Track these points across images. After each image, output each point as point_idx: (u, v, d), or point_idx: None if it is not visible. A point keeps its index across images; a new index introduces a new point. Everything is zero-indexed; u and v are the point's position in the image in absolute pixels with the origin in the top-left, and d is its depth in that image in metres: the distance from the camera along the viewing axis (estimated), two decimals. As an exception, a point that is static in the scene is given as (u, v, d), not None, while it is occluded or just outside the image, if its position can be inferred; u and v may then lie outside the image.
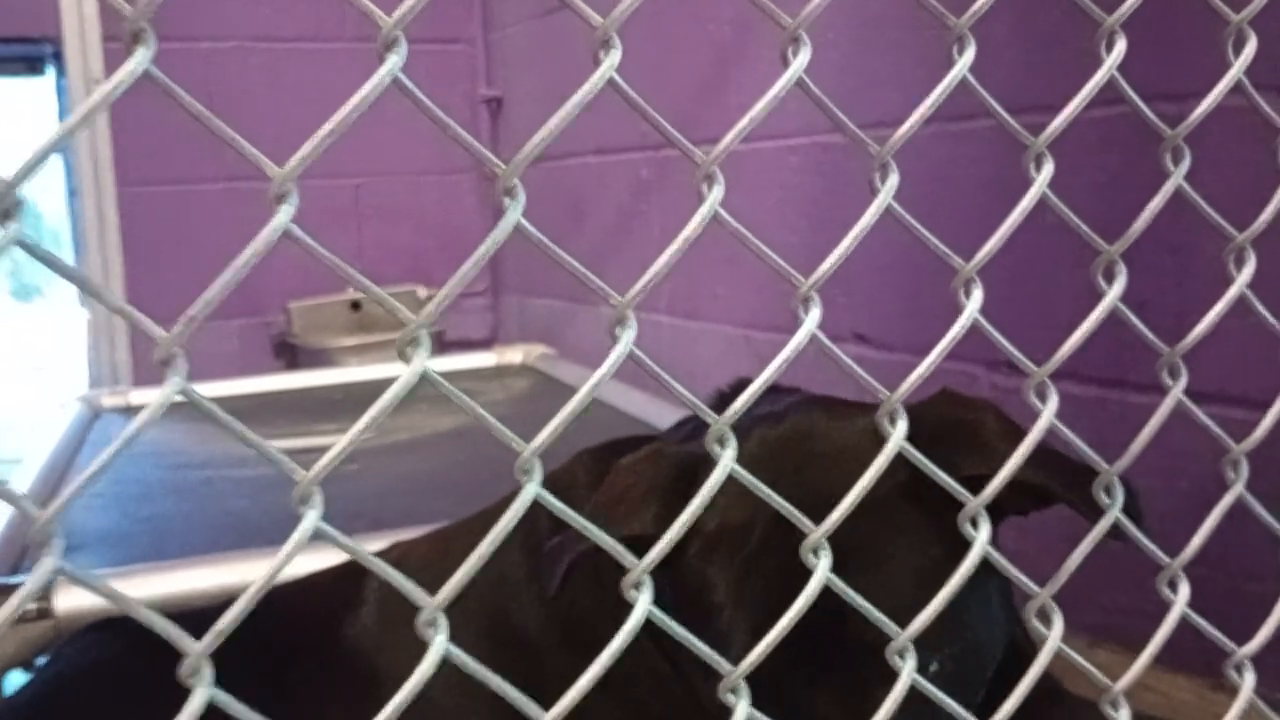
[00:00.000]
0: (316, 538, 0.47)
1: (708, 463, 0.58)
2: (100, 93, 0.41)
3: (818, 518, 0.60)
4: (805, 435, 0.80)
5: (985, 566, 0.66)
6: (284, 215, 0.45)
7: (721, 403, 0.64)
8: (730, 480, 0.58)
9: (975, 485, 0.66)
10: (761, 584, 0.74)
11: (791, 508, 0.60)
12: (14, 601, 0.42)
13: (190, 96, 0.45)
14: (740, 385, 0.98)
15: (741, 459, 0.58)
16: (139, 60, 0.42)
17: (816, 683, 0.72)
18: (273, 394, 2.58)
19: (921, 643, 0.63)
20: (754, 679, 0.58)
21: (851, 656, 0.70)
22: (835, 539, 0.61)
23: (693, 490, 0.58)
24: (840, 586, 0.61)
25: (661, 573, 0.57)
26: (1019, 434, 0.69)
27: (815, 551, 0.60)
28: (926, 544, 0.73)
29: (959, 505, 0.66)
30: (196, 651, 0.44)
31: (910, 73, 1.67)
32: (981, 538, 0.65)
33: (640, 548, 0.56)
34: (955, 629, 0.71)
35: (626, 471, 0.84)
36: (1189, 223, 1.25)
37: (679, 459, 0.82)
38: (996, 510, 0.68)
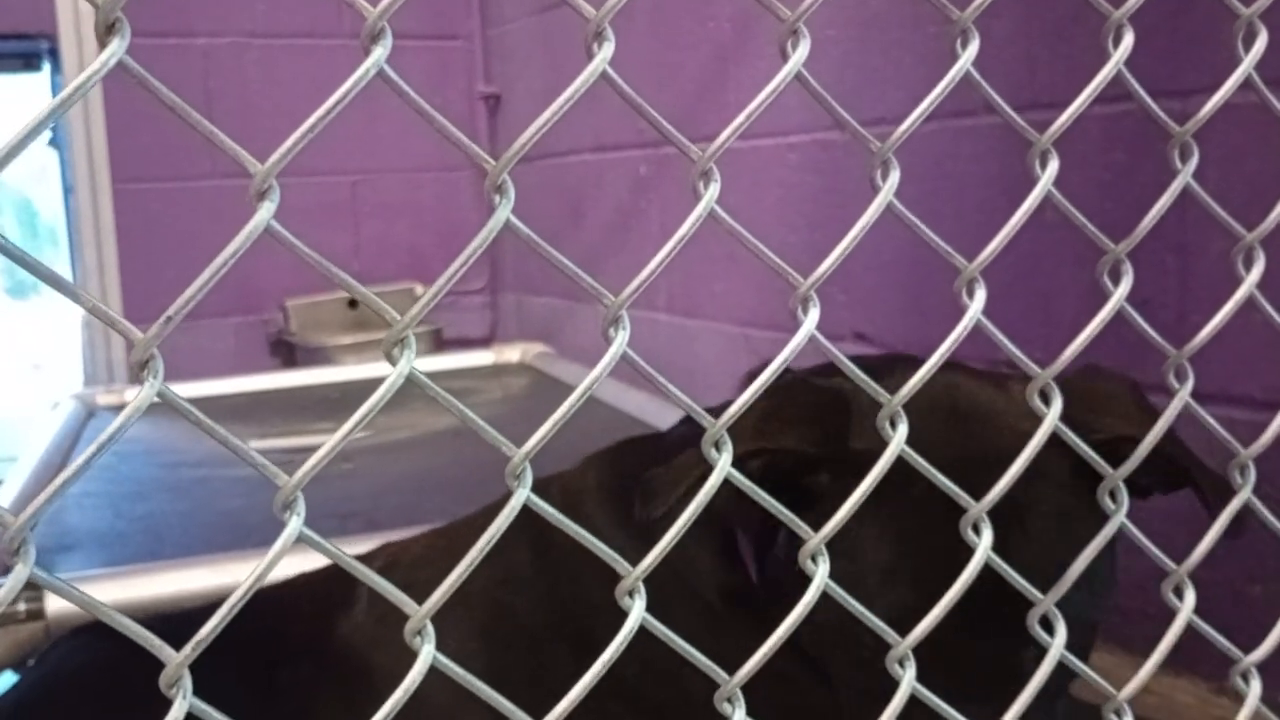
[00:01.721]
0: (300, 543, 0.45)
1: (858, 395, 0.61)
2: (74, 84, 0.40)
3: (981, 479, 0.62)
4: (958, 399, 0.81)
5: (1111, 541, 0.69)
6: (265, 212, 0.43)
7: (748, 382, 0.64)
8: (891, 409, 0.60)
9: (1110, 453, 0.69)
10: (924, 540, 0.72)
11: (955, 487, 0.61)
12: (-15, 610, 0.41)
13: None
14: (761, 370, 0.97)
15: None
16: (112, 51, 0.40)
17: (971, 640, 0.71)
18: (269, 392, 2.57)
19: (1063, 608, 0.66)
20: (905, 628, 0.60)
21: (1007, 618, 0.69)
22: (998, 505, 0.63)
23: (844, 420, 0.61)
24: (1001, 567, 0.63)
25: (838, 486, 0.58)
26: (1154, 411, 0.72)
27: (976, 528, 0.62)
28: (1078, 504, 0.74)
29: (1099, 478, 0.68)
30: (176, 661, 0.43)
31: (911, 71, 1.66)
32: (1121, 511, 0.68)
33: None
34: (1079, 596, 0.73)
35: (771, 395, 0.80)
36: (1192, 221, 1.24)
37: (831, 388, 0.79)
38: (1132, 491, 0.70)
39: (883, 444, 0.70)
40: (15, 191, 3.80)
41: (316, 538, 0.46)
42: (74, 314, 2.95)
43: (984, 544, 0.61)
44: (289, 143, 0.43)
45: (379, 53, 0.45)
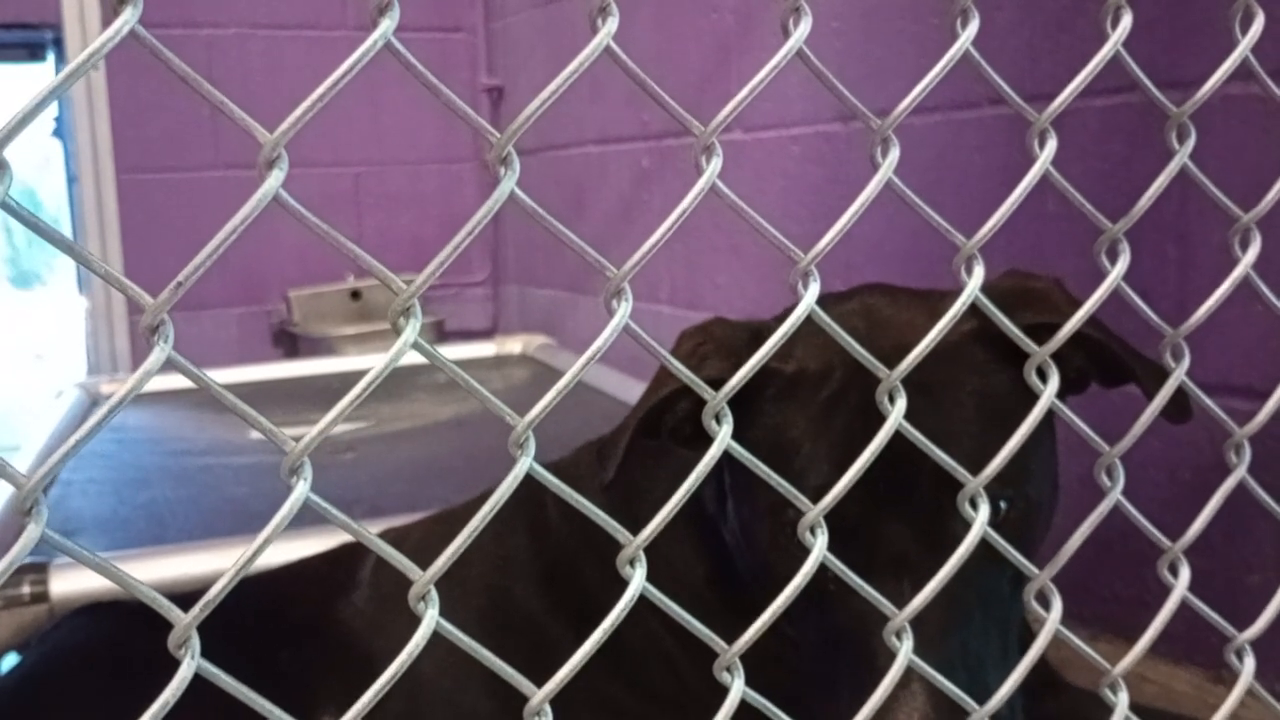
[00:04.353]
0: (312, 521, 0.46)
1: (773, 324, 0.62)
2: (87, 51, 0.41)
3: (893, 366, 0.62)
4: (875, 306, 0.83)
5: (1046, 425, 0.69)
6: (273, 180, 0.44)
7: (755, 340, 0.65)
8: (808, 333, 0.61)
9: (1041, 341, 0.69)
10: (842, 422, 0.74)
11: (867, 353, 0.62)
12: (-1, 568, 0.42)
13: (189, 69, 0.44)
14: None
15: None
16: (125, 19, 0.41)
17: (894, 518, 0.73)
18: (272, 382, 2.57)
19: (990, 483, 0.66)
20: (831, 518, 0.61)
21: (927, 491, 0.71)
22: (910, 380, 0.63)
23: (759, 346, 0.59)
24: (913, 434, 0.63)
25: (738, 418, 0.58)
26: (1080, 303, 0.72)
27: (890, 396, 0.62)
28: (998, 385, 0.75)
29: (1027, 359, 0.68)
30: (184, 622, 0.44)
31: (913, 61, 1.67)
32: (1049, 389, 0.67)
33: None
34: (1021, 475, 0.74)
35: (694, 334, 0.84)
36: (1192, 210, 1.25)
37: (747, 324, 0.83)
38: (1062, 378, 0.70)
39: (816, 358, 0.75)
40: (19, 181, 3.80)
41: (323, 503, 0.46)
42: (77, 304, 2.96)
43: (896, 411, 0.62)
44: (298, 112, 0.44)
45: (386, 24, 0.45)
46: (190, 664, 0.44)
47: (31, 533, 0.41)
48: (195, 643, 0.44)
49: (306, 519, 0.48)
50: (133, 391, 0.43)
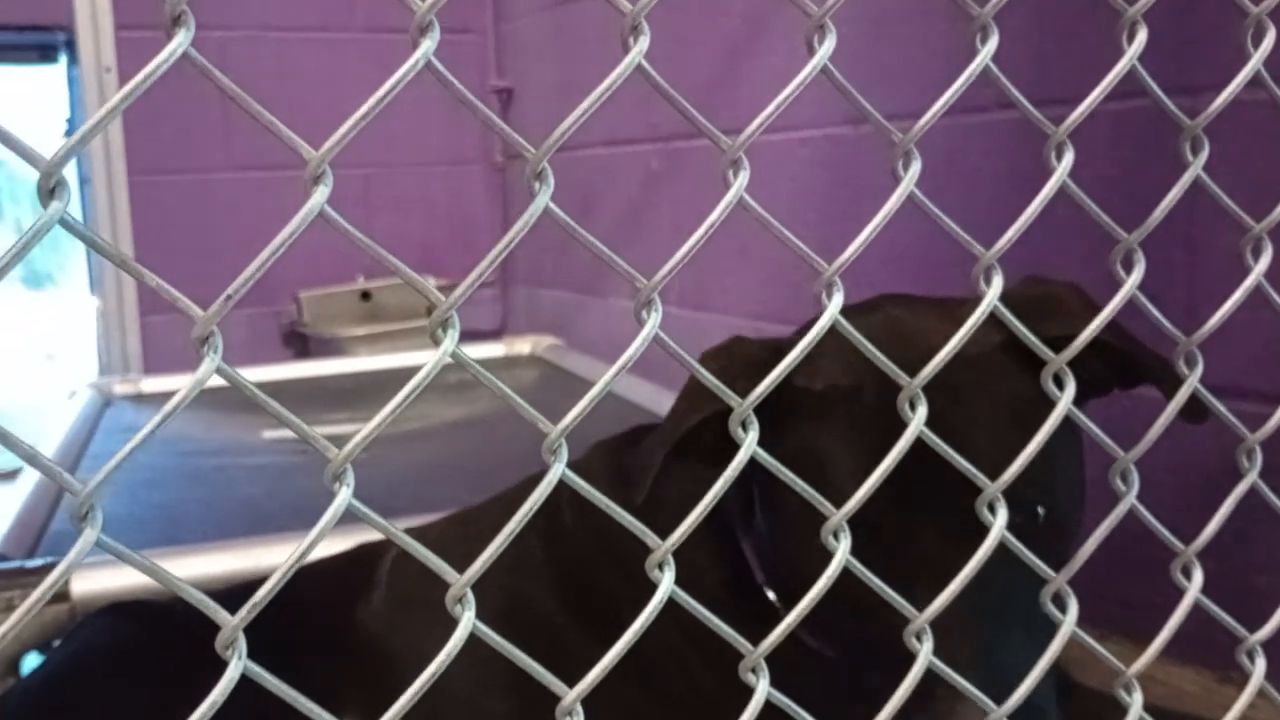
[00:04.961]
0: (348, 515, 0.48)
1: (794, 339, 0.61)
2: (144, 73, 0.42)
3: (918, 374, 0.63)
4: (900, 318, 0.84)
5: (1072, 431, 0.70)
6: (319, 196, 0.46)
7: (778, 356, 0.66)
8: (834, 348, 0.62)
9: (1061, 348, 0.70)
10: (875, 437, 0.73)
11: (889, 361, 0.63)
12: (55, 574, 0.43)
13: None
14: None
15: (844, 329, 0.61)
16: (180, 41, 0.42)
17: (922, 526, 0.74)
18: (283, 383, 2.59)
19: (1014, 491, 0.67)
20: (860, 523, 0.62)
21: (955, 499, 0.70)
22: (935, 390, 0.64)
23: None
24: (935, 441, 0.64)
25: (769, 438, 0.59)
26: (1099, 307, 0.72)
27: (911, 403, 0.63)
28: (1023, 395, 0.75)
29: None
30: (232, 624, 0.45)
31: (923, 66, 1.68)
32: (1066, 396, 0.68)
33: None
34: (1052, 480, 0.75)
35: (717, 355, 0.84)
36: (1202, 216, 1.26)
37: (768, 342, 0.84)
38: (1082, 382, 0.71)
39: (845, 373, 0.76)
40: (32, 183, 3.81)
41: (364, 509, 0.48)
42: (88, 304, 2.97)
43: (918, 418, 0.63)
44: (343, 129, 0.45)
45: (427, 45, 0.47)
46: (238, 664, 0.45)
47: (88, 537, 0.43)
48: (242, 643, 0.46)
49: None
50: (184, 401, 0.44)
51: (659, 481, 0.89)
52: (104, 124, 0.42)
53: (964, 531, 0.71)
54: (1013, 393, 0.77)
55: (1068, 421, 0.69)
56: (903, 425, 0.64)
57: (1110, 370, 0.81)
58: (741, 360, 0.81)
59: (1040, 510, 0.75)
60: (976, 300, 0.64)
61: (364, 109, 0.45)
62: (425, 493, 1.75)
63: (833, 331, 0.59)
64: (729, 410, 0.59)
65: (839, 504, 0.61)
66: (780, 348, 0.79)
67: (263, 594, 0.45)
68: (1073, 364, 0.69)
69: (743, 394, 0.61)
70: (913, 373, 0.63)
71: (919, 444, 0.63)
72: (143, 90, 0.42)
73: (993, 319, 0.65)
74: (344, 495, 0.46)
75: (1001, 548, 0.65)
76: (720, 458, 0.69)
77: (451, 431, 2.14)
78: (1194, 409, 0.74)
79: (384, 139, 3.01)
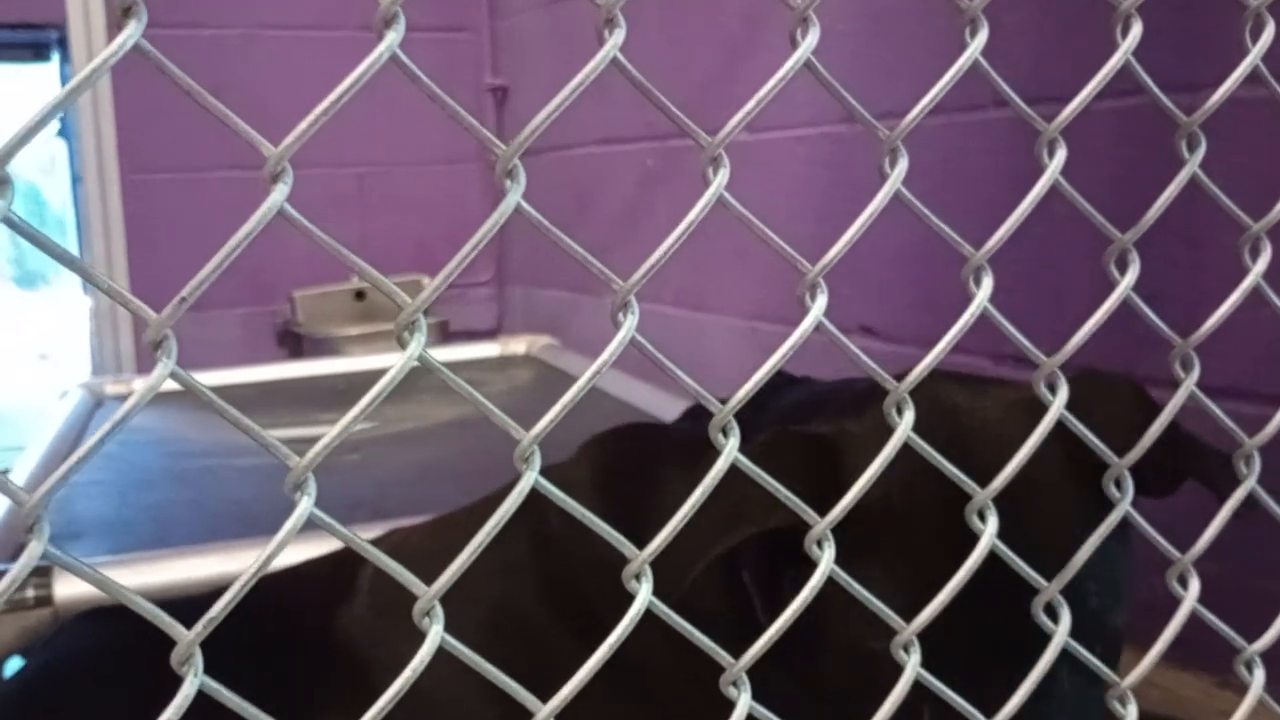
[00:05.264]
0: (311, 525, 0.46)
1: (848, 439, 0.64)
2: (90, 67, 0.40)
3: (985, 482, 0.63)
4: (949, 410, 0.79)
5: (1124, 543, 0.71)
6: (278, 194, 0.44)
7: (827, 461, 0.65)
8: (876, 444, 0.61)
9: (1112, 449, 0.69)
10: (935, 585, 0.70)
11: (960, 474, 0.63)
12: (4, 583, 0.42)
13: (197, 82, 0.44)
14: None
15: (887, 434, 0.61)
16: (129, 33, 0.41)
17: (990, 657, 0.71)
18: (276, 383, 2.57)
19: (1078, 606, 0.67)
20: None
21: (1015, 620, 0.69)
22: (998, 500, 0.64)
23: (835, 472, 0.61)
24: (1006, 554, 0.64)
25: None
26: (1157, 407, 0.72)
27: (981, 514, 0.64)
28: (1080, 515, 0.73)
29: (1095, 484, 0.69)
30: (188, 640, 0.44)
31: (919, 64, 1.66)
32: (1127, 499, 0.69)
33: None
34: (1112, 598, 0.75)
35: (755, 461, 0.78)
36: (1201, 214, 1.24)
37: (816, 438, 0.77)
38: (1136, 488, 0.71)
39: (878, 487, 0.68)
40: (24, 181, 3.82)
41: (327, 518, 0.46)
42: (81, 304, 2.96)
43: (989, 530, 0.61)
44: (302, 126, 0.44)
45: (392, 37, 0.45)
46: (193, 681, 0.44)
47: (34, 550, 0.41)
48: (198, 659, 0.44)
49: (312, 524, 0.47)
50: (136, 408, 0.42)
51: (656, 490, 0.87)
52: (48, 120, 0.40)
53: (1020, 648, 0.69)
54: (1060, 507, 0.74)
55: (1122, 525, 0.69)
56: (952, 560, 0.63)
57: (1162, 473, 0.78)
58: (788, 470, 0.73)
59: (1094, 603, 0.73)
60: (1006, 383, 0.64)
61: (324, 104, 0.44)
62: (418, 493, 1.74)
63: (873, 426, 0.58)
64: (788, 528, 0.59)
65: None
66: (823, 451, 0.75)
67: (219, 608, 0.44)
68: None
69: (790, 518, 0.61)
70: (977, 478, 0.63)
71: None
72: (90, 85, 0.40)
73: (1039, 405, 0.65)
74: (304, 505, 0.45)
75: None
76: (762, 574, 0.68)
77: (445, 432, 2.13)
78: (1245, 510, 0.74)
79: (379, 138, 3.00)
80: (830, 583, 0.61)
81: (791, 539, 0.66)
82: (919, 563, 0.71)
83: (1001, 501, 0.64)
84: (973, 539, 0.63)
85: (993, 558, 0.64)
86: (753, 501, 0.70)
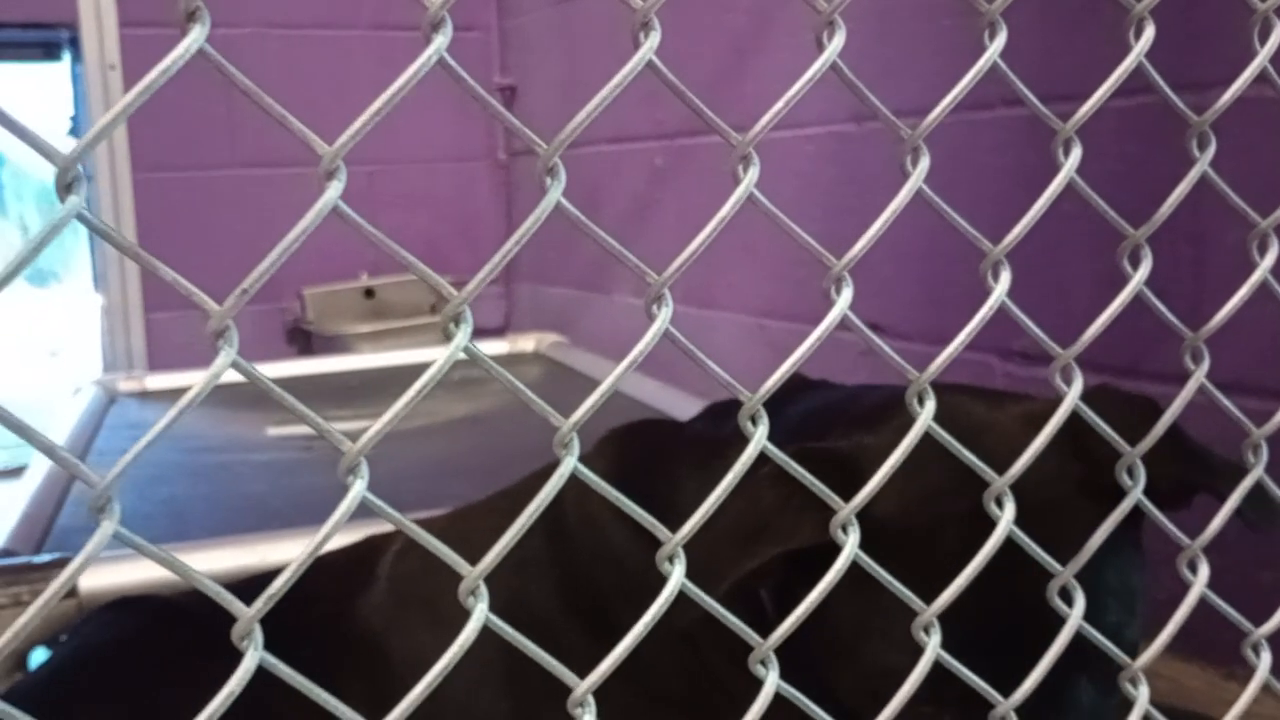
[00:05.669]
0: (363, 508, 0.48)
1: (865, 453, 0.65)
2: (158, 69, 0.42)
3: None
4: (965, 420, 0.79)
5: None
6: (334, 191, 0.46)
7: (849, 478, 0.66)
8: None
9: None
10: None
11: (974, 458, 0.64)
12: (73, 566, 0.44)
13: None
14: None
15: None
16: (194, 38, 0.43)
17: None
18: (286, 380, 2.56)
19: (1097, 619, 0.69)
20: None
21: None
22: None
23: (857, 489, 0.62)
24: (1025, 541, 0.66)
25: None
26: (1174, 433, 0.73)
27: (999, 501, 0.66)
28: (1086, 516, 0.74)
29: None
30: (248, 615, 0.46)
31: (927, 62, 1.68)
32: (1138, 488, 0.70)
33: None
34: (1129, 610, 0.76)
35: (774, 481, 0.75)
36: (1208, 212, 1.26)
37: (837, 455, 0.77)
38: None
39: (895, 503, 0.72)
40: (36, 179, 3.83)
41: (378, 501, 0.48)
42: (92, 301, 2.98)
43: (1006, 516, 0.63)
44: (356, 125, 0.46)
45: (440, 40, 0.47)
46: (254, 655, 0.46)
47: (106, 529, 0.43)
48: (258, 634, 0.46)
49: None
50: (199, 395, 0.44)
51: (672, 488, 0.88)
52: (120, 119, 0.42)
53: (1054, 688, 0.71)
54: (1070, 508, 0.75)
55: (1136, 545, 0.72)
56: (956, 553, 0.65)
57: (1172, 484, 0.79)
58: (805, 491, 0.75)
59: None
60: (1023, 397, 0.66)
61: (377, 104, 0.46)
62: (430, 488, 1.75)
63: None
64: (809, 548, 0.60)
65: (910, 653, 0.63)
66: (844, 468, 0.75)
67: (278, 586, 0.46)
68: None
69: (811, 535, 0.63)
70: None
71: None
72: (159, 86, 0.42)
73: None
74: (358, 488, 0.47)
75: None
76: (780, 592, 0.69)
77: (457, 428, 2.15)
78: (1268, 517, 0.76)
79: (389, 135, 3.00)
80: (849, 602, 0.63)
81: (811, 558, 0.68)
82: (937, 581, 0.71)
83: (1020, 521, 0.66)
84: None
85: (1011, 581, 0.67)
86: (774, 523, 0.73)
